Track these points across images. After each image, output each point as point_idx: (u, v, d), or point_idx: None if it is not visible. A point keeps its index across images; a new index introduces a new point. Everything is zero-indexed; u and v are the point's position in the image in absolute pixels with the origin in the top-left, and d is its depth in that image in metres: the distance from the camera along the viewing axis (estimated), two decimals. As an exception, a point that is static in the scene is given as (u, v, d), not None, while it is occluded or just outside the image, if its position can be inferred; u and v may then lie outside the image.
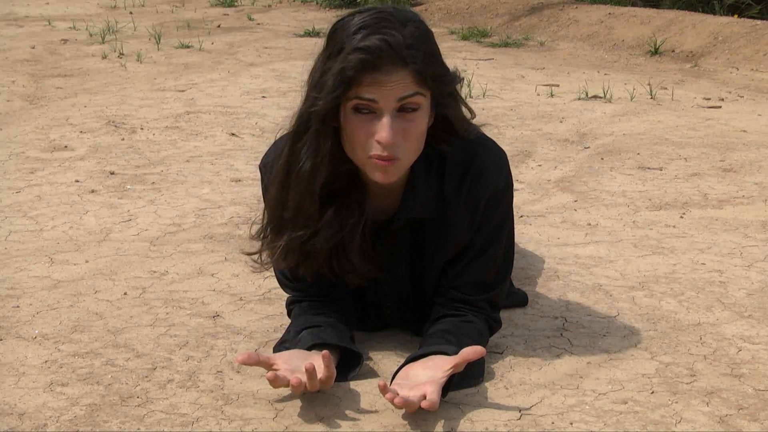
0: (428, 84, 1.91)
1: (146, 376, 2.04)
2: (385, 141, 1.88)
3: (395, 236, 2.09)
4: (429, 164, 2.04)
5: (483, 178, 2.04)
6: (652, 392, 1.97)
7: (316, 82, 1.93)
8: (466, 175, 2.04)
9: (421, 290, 2.16)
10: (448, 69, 1.98)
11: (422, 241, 2.10)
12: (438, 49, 1.96)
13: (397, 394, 1.80)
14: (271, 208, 2.03)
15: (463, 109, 2.04)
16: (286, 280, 2.18)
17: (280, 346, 2.08)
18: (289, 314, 2.21)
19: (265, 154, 2.13)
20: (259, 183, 2.19)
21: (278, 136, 2.08)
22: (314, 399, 1.94)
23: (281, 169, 1.98)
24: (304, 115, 1.94)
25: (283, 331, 2.17)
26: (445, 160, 2.05)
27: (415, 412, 1.85)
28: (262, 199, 2.12)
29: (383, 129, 1.88)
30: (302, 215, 1.98)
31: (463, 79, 2.04)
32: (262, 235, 2.07)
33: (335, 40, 1.92)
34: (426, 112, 1.94)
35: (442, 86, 1.96)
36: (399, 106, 1.89)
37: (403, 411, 1.87)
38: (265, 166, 2.11)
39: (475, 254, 2.09)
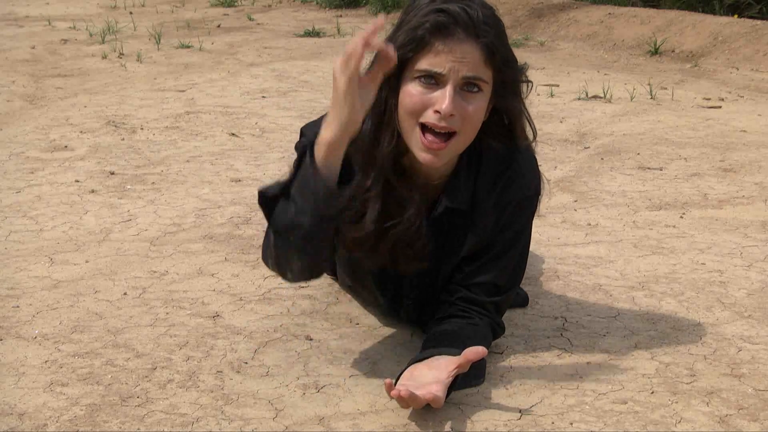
0: (495, 65, 1.92)
1: (146, 376, 2.04)
2: (446, 110, 1.87)
3: (434, 226, 2.08)
4: (470, 159, 2.05)
5: (516, 181, 2.06)
6: (652, 392, 1.97)
7: (389, 37, 1.94)
8: (501, 176, 2.05)
9: (437, 285, 2.15)
10: (515, 57, 2.00)
11: (446, 236, 2.10)
12: (507, 37, 1.99)
13: (403, 390, 1.79)
14: None
15: (525, 120, 2.04)
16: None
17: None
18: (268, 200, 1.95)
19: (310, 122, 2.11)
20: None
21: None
22: (314, 399, 1.94)
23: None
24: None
25: (283, 332, 2.16)
26: (481, 157, 2.05)
27: (415, 412, 1.85)
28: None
29: (445, 98, 1.88)
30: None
31: (531, 83, 2.04)
32: None
33: (413, 4, 1.94)
34: (486, 98, 1.94)
35: (508, 71, 1.97)
36: (463, 83, 1.90)
37: (405, 412, 1.87)
38: (306, 126, 2.09)
39: (494, 255, 2.09)
